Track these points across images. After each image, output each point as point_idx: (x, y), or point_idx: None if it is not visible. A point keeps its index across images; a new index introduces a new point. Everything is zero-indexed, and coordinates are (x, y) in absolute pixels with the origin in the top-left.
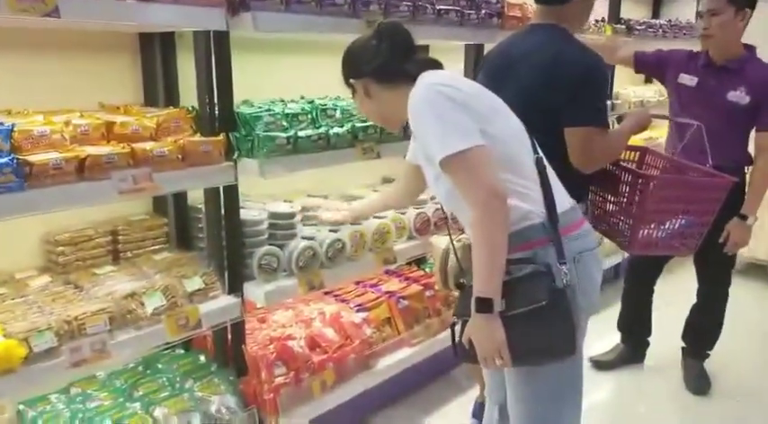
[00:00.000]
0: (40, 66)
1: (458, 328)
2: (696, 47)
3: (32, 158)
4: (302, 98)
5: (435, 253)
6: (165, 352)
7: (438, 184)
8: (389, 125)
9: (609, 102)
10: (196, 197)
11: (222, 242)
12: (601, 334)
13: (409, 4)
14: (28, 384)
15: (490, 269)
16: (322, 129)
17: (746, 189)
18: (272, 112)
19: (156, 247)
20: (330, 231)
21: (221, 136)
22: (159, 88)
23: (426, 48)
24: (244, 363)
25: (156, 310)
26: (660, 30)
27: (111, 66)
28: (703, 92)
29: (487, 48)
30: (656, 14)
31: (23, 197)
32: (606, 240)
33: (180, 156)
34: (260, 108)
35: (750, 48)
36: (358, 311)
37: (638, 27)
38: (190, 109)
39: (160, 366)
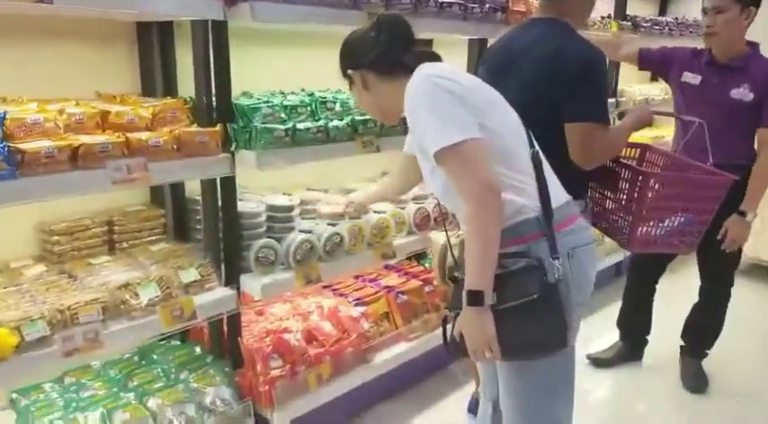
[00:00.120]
0: (37, 56)
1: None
2: (702, 44)
3: (24, 146)
4: (302, 90)
5: (434, 249)
6: (161, 343)
7: (434, 178)
8: (387, 118)
9: (612, 100)
10: (194, 188)
11: (219, 234)
12: (600, 332)
13: None
14: (20, 372)
15: (483, 263)
16: (321, 122)
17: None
18: (270, 104)
19: (153, 238)
20: (328, 224)
21: (218, 127)
22: (157, 78)
23: (430, 42)
24: (240, 355)
25: (151, 301)
26: (666, 28)
27: (108, 55)
28: (707, 90)
29: (491, 43)
30: (662, 12)
31: (15, 185)
32: (607, 238)
33: (175, 147)
34: (258, 99)
35: (753, 46)
36: (356, 305)
37: (645, 24)
38: (187, 99)
39: (155, 356)
